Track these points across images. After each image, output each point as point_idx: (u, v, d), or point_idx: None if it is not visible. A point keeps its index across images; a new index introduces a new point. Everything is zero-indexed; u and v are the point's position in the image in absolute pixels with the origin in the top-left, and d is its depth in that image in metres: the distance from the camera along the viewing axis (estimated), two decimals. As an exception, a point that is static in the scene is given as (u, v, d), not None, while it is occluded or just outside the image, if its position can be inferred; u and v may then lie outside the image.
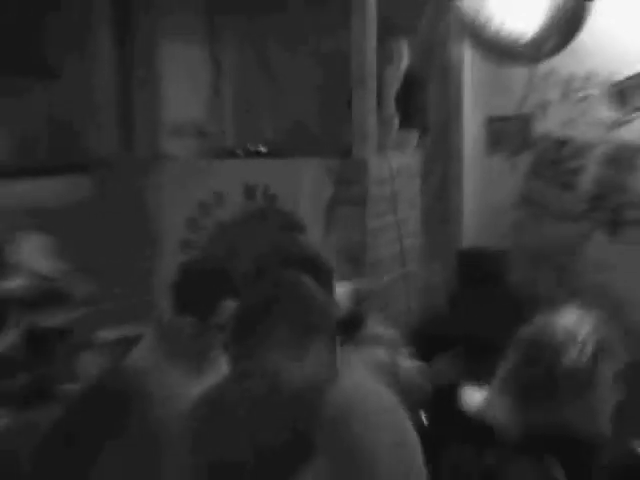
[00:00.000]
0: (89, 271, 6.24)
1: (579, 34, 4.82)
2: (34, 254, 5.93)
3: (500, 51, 4.93)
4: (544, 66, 7.10)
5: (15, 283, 5.76)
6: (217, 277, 4.38)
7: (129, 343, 4.85)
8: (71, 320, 5.72)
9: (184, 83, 8.10)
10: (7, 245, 5.90)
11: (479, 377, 4.26)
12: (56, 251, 5.95)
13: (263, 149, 7.44)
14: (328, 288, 3.93)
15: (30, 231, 5.98)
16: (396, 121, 7.13)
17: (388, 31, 7.07)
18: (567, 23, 4.56)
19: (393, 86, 7.18)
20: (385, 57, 7.05)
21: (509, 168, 7.71)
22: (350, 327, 5.09)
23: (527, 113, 7.58)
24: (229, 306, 4.09)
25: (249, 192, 6.73)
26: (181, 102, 8.05)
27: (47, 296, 5.79)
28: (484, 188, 7.86)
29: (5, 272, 5.84)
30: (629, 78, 7.09)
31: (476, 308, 6.79)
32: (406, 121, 7.18)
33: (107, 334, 5.96)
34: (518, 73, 7.31)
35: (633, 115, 7.18)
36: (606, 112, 7.25)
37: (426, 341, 5.88)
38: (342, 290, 4.52)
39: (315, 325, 3.26)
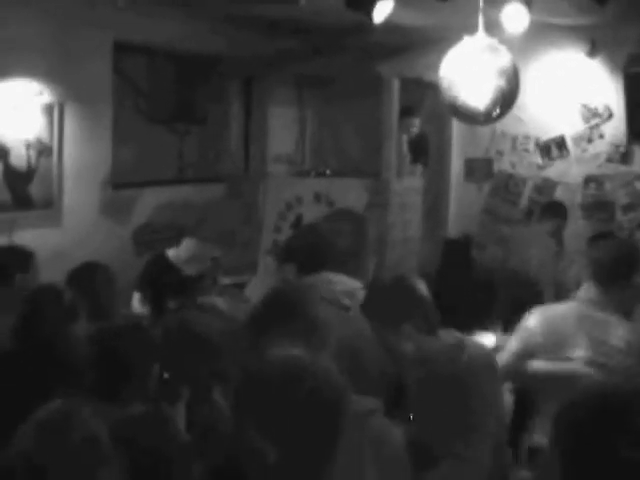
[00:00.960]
0: (219, 242, 7.64)
1: (512, 107, 5.40)
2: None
3: (465, 117, 5.43)
4: (500, 129, 8.66)
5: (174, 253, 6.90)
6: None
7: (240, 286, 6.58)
8: (203, 269, 6.91)
9: (282, 130, 9.53)
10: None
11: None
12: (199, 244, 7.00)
13: (328, 171, 8.94)
14: None
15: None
16: (408, 159, 8.86)
17: (406, 111, 8.71)
18: (504, 100, 5.15)
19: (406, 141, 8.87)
20: (404, 127, 8.78)
21: (477, 190, 9.09)
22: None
23: (489, 157, 8.96)
24: None
25: (317, 197, 8.23)
26: (279, 142, 9.48)
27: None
28: (462, 202, 9.16)
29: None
30: (549, 139, 8.61)
31: (455, 277, 8.00)
32: (415, 159, 8.90)
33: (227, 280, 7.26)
34: (484, 132, 8.76)
35: (552, 162, 8.63)
36: (536, 159, 8.71)
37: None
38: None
39: None
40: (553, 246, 7.36)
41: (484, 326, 5.88)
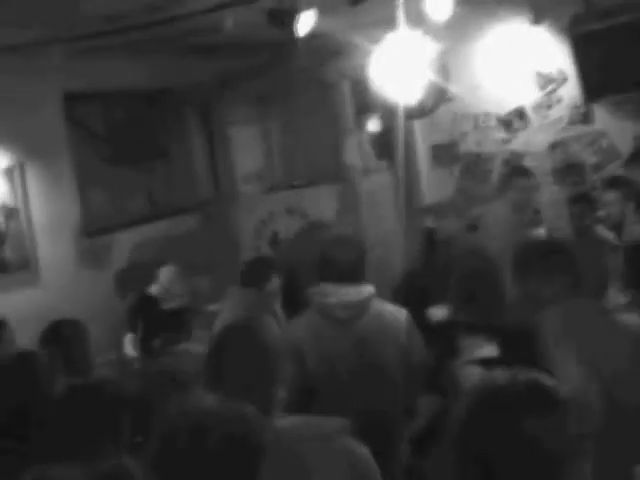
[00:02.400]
0: (199, 271, 7.92)
1: (446, 96, 5.59)
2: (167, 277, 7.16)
3: (409, 113, 5.75)
4: (459, 110, 8.68)
5: (156, 289, 7.17)
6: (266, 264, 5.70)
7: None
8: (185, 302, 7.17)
9: (248, 149, 9.56)
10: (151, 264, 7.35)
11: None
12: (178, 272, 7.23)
13: (299, 183, 9.03)
14: None
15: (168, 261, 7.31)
16: (372, 156, 9.00)
17: (363, 110, 8.81)
18: (436, 90, 5.22)
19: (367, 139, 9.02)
20: (363, 125, 8.95)
21: (448, 175, 9.10)
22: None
23: (454, 140, 8.95)
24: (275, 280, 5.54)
25: (289, 211, 8.42)
26: (247, 161, 9.52)
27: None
28: (434, 187, 9.11)
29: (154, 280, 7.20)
30: (508, 113, 8.64)
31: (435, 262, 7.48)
32: (380, 155, 9.01)
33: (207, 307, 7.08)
34: (445, 117, 8.67)
35: (516, 134, 8.66)
36: (499, 134, 8.74)
37: (407, 289, 6.86)
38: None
39: None
40: (517, 224, 7.25)
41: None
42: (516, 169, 7.91)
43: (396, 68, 5.22)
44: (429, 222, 8.22)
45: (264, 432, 2.39)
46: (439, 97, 5.27)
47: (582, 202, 7.32)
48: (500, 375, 2.24)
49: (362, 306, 4.30)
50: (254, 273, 5.60)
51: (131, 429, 3.43)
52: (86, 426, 3.32)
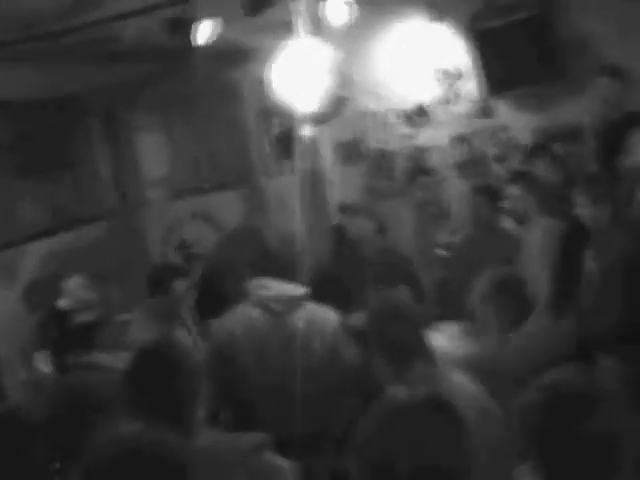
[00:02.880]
0: (110, 280, 7.82)
1: (343, 109, 5.45)
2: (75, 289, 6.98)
3: (308, 121, 5.41)
4: (362, 108, 8.76)
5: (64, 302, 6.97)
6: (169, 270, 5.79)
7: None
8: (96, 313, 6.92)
9: (154, 155, 9.50)
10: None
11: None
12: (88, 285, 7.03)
13: (206, 186, 9.03)
14: None
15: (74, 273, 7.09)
16: (273, 158, 8.98)
17: (265, 112, 8.77)
18: (336, 97, 5.01)
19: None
20: (266, 127, 8.98)
21: (355, 171, 9.15)
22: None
23: (358, 137, 9.06)
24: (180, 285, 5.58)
25: (194, 216, 8.50)
26: (153, 167, 9.47)
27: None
28: (340, 185, 9.11)
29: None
30: (411, 109, 8.72)
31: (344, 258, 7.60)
32: (283, 156, 8.80)
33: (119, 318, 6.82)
34: (348, 114, 7.85)
35: (418, 130, 8.77)
36: (403, 130, 8.83)
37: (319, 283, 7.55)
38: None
39: None
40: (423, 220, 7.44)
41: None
42: (418, 167, 8.13)
43: (295, 75, 5.21)
44: (340, 220, 8.34)
45: (187, 459, 2.38)
46: (339, 104, 5.23)
47: (484, 193, 7.39)
48: (400, 391, 2.31)
49: (297, 302, 4.52)
50: (158, 280, 5.64)
51: (46, 455, 3.30)
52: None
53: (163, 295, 5.53)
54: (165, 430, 2.54)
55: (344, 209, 8.16)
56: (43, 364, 6.71)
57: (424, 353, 3.52)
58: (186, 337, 5.51)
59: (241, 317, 4.53)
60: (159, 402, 3.01)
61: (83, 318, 6.96)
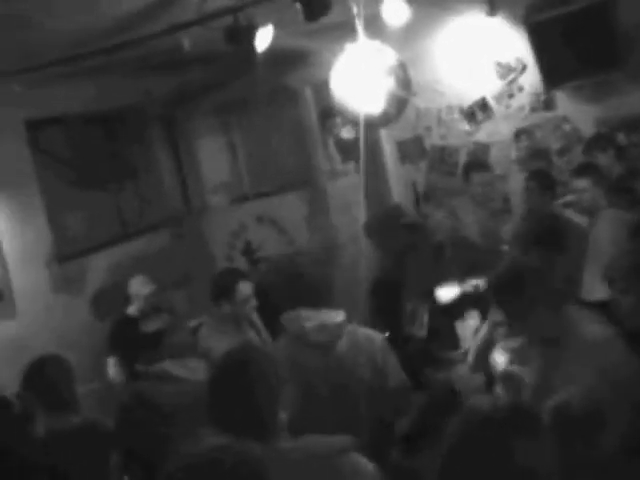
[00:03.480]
0: (175, 287, 7.97)
1: (405, 109, 5.59)
2: (140, 288, 7.21)
3: (366, 124, 5.45)
4: (422, 105, 8.79)
5: (133, 308, 7.20)
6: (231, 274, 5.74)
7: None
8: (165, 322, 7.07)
9: (215, 161, 9.59)
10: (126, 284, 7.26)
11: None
12: (152, 283, 7.22)
13: (267, 190, 9.04)
14: None
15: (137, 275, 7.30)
16: (339, 160, 9.00)
17: (327, 114, 8.81)
18: (398, 98, 5.29)
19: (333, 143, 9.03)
20: (327, 129, 8.97)
21: (415, 170, 9.17)
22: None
23: (419, 135, 9.05)
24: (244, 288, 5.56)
25: (259, 219, 8.47)
26: (214, 172, 9.55)
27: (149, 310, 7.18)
28: (403, 184, 9.22)
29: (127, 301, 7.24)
30: (471, 105, 8.71)
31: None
32: (346, 157, 8.99)
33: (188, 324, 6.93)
34: (408, 112, 7.87)
35: (480, 125, 8.73)
36: (464, 126, 8.80)
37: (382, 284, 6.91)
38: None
39: None
40: (484, 217, 7.35)
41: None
42: (472, 164, 7.91)
43: (356, 77, 5.21)
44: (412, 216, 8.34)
45: (270, 468, 2.39)
46: (400, 105, 5.22)
47: (535, 177, 7.40)
48: (484, 402, 2.30)
49: (339, 329, 4.35)
50: (221, 285, 5.62)
51: (120, 466, 3.43)
52: (74, 470, 3.36)
53: (228, 300, 5.50)
54: (248, 437, 2.64)
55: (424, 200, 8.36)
56: (114, 371, 6.89)
57: None
58: (258, 341, 5.57)
59: (282, 352, 4.36)
60: (245, 409, 3.03)
61: (153, 325, 7.06)
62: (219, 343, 4.91)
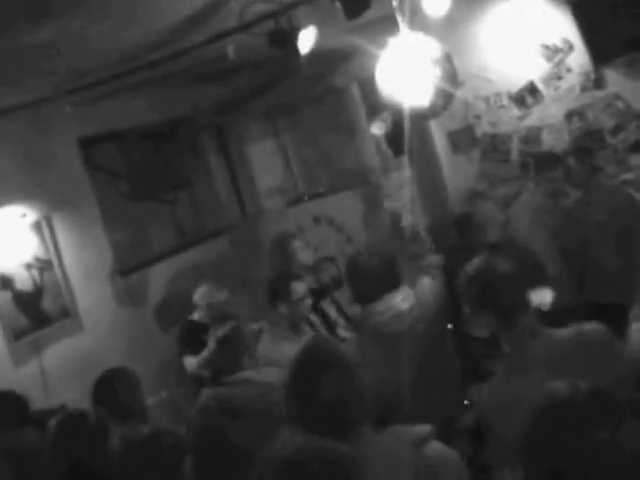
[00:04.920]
0: (235, 293, 7.73)
1: (452, 100, 5.41)
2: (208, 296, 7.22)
3: (414, 117, 5.47)
4: (470, 94, 8.71)
5: (200, 315, 7.19)
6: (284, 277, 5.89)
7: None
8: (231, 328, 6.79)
9: (267, 164, 9.68)
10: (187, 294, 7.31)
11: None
12: (217, 289, 7.25)
13: (322, 190, 9.14)
14: None
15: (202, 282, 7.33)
16: (390, 154, 8.96)
17: (374, 109, 8.77)
18: (445, 89, 5.39)
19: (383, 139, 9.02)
20: (377, 124, 8.87)
21: (467, 160, 9.06)
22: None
23: (469, 124, 8.98)
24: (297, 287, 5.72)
25: (316, 220, 8.53)
26: (267, 176, 9.65)
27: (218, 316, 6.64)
28: (456, 176, 9.12)
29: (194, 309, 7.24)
30: (519, 90, 8.60)
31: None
32: (397, 152, 8.90)
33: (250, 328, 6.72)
34: (457, 102, 7.93)
35: (530, 110, 8.61)
36: (514, 112, 8.70)
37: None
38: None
39: None
40: (545, 220, 7.23)
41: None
42: (547, 159, 7.73)
43: (402, 72, 5.21)
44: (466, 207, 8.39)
45: (355, 463, 2.40)
46: (448, 96, 5.22)
47: (576, 152, 7.39)
48: (561, 387, 2.29)
49: (414, 312, 4.45)
50: (275, 287, 5.76)
51: (193, 474, 3.47)
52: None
53: (283, 300, 5.65)
54: (328, 436, 2.56)
55: (473, 196, 8.27)
56: (195, 365, 6.79)
57: None
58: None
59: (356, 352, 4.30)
60: (325, 405, 3.01)
61: (220, 332, 7.05)
62: (278, 347, 5.15)
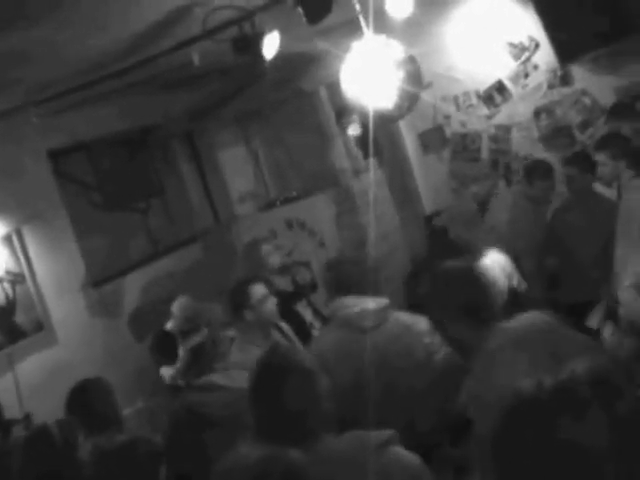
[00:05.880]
0: (210, 300, 7.34)
1: (417, 102, 5.40)
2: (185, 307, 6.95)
3: (379, 119, 5.44)
4: (439, 94, 8.88)
5: (173, 324, 6.90)
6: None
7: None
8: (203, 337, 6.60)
9: (238, 170, 9.62)
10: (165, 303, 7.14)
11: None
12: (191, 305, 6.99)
13: (294, 194, 9.09)
14: None
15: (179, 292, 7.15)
16: (360, 156, 9.05)
17: (342, 112, 8.87)
18: (409, 91, 5.44)
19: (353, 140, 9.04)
20: (345, 128, 9.02)
21: (437, 160, 9.25)
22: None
23: (439, 124, 9.14)
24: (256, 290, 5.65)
25: (289, 224, 8.51)
26: (238, 181, 9.59)
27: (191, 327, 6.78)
28: (428, 177, 9.31)
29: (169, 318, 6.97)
30: (488, 88, 8.75)
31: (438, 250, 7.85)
32: (367, 153, 9.00)
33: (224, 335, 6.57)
34: (425, 102, 8.49)
35: (499, 108, 8.77)
36: (483, 111, 8.85)
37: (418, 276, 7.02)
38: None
39: None
40: (529, 208, 7.25)
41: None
42: (538, 169, 7.59)
43: (366, 75, 5.23)
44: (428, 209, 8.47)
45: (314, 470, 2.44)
46: (413, 98, 5.25)
47: (574, 162, 7.31)
48: (525, 384, 2.31)
49: (382, 314, 4.48)
50: (234, 296, 5.75)
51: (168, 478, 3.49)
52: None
53: (245, 306, 5.64)
54: (291, 443, 2.61)
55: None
56: (170, 374, 6.82)
57: None
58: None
59: (330, 339, 4.57)
60: (285, 413, 3.05)
61: (192, 342, 7.05)
62: (248, 354, 4.97)
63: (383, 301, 4.56)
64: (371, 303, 4.51)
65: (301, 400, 3.06)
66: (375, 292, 4.59)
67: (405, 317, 4.63)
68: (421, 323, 4.55)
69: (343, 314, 4.52)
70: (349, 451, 3.00)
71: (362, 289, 4.59)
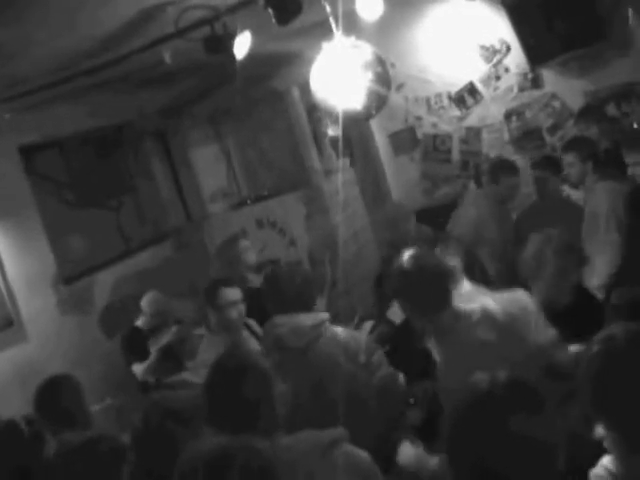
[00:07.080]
0: (182, 297, 7.88)
1: (385, 103, 5.44)
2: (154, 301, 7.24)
3: (348, 120, 5.57)
4: (411, 95, 8.96)
5: (143, 321, 7.21)
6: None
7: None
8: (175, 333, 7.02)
9: (210, 169, 9.61)
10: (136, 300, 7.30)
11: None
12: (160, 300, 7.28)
13: (266, 193, 9.10)
14: None
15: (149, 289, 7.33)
16: (333, 156, 8.98)
17: (316, 111, 8.77)
18: (378, 92, 5.34)
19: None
20: (317, 128, 9.02)
21: (410, 161, 9.25)
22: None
23: (410, 125, 9.14)
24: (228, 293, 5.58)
25: (259, 223, 8.54)
26: (211, 180, 9.58)
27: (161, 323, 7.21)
28: (399, 177, 9.33)
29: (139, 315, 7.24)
30: (459, 90, 8.77)
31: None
32: (338, 153, 8.70)
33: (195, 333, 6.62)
34: (397, 104, 8.79)
35: (470, 110, 8.80)
36: (454, 112, 8.88)
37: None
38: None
39: None
40: (494, 209, 7.23)
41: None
42: (504, 166, 7.55)
43: (335, 76, 5.28)
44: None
45: (275, 463, 2.49)
46: (381, 99, 5.31)
47: (545, 165, 7.37)
48: (480, 379, 2.36)
49: (314, 331, 4.33)
50: (205, 295, 5.74)
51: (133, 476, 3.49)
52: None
53: (212, 307, 5.62)
54: (247, 436, 2.68)
55: None
56: (142, 371, 6.90)
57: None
58: (254, 343, 5.57)
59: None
60: (238, 409, 3.13)
61: (162, 340, 7.08)
62: (211, 355, 4.99)
63: (319, 316, 4.42)
64: (306, 319, 4.36)
65: (254, 398, 3.15)
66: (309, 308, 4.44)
67: (342, 332, 4.49)
68: (359, 338, 4.50)
69: (274, 334, 4.39)
70: (301, 449, 3.05)
71: (301, 304, 4.43)
